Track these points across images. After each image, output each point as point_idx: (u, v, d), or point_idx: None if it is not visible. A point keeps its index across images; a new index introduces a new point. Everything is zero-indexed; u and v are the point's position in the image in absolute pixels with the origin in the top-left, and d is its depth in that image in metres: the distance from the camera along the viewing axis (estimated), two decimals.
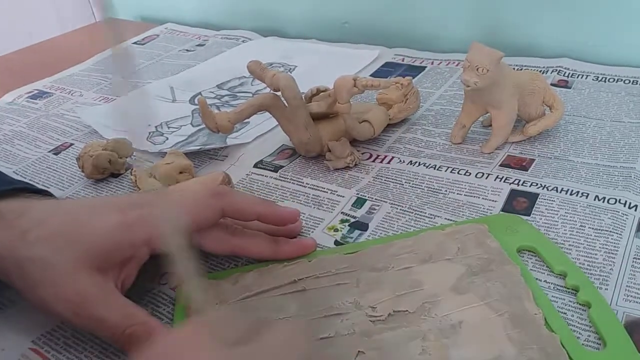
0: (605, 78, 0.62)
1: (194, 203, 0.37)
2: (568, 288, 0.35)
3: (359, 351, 0.31)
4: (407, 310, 0.34)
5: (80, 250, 0.33)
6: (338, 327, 0.33)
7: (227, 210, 0.38)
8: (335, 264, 0.38)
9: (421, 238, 0.39)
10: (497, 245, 0.38)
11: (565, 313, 0.34)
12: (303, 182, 0.49)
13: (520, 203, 0.44)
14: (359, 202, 0.46)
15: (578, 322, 0.33)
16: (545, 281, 0.36)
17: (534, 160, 0.49)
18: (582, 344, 0.32)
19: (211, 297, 0.36)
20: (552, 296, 0.35)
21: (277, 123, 0.51)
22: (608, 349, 0.31)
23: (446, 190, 0.46)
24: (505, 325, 0.32)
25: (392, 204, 0.45)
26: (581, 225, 0.40)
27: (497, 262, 0.36)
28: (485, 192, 0.45)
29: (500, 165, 0.48)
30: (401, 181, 0.48)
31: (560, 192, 0.44)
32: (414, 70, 0.70)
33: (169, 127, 0.62)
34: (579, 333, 0.33)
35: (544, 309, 0.33)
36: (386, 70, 0.71)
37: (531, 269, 0.37)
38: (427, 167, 0.49)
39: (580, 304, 0.34)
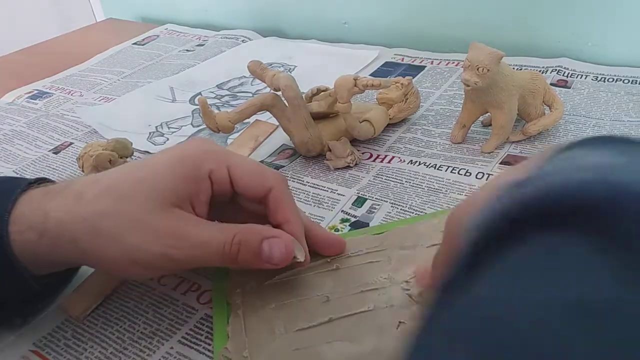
0: (605, 78, 0.62)
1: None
2: None
3: (400, 322, 0.32)
4: None
5: (148, 190, 0.32)
6: (376, 301, 0.34)
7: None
8: (366, 244, 0.39)
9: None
10: None
11: None
12: (303, 181, 0.49)
13: None
14: (360, 202, 0.46)
15: None
16: None
17: None
18: None
19: (246, 279, 0.37)
20: None
21: (277, 123, 0.51)
22: None
23: (446, 190, 0.46)
24: None
25: (392, 203, 0.45)
26: None
27: None
28: None
29: (501, 164, 0.48)
30: (401, 181, 0.48)
31: None
32: (414, 70, 0.70)
33: (169, 128, 0.62)
34: None
35: None
36: (386, 70, 0.71)
37: None
38: (427, 166, 0.49)
39: None
